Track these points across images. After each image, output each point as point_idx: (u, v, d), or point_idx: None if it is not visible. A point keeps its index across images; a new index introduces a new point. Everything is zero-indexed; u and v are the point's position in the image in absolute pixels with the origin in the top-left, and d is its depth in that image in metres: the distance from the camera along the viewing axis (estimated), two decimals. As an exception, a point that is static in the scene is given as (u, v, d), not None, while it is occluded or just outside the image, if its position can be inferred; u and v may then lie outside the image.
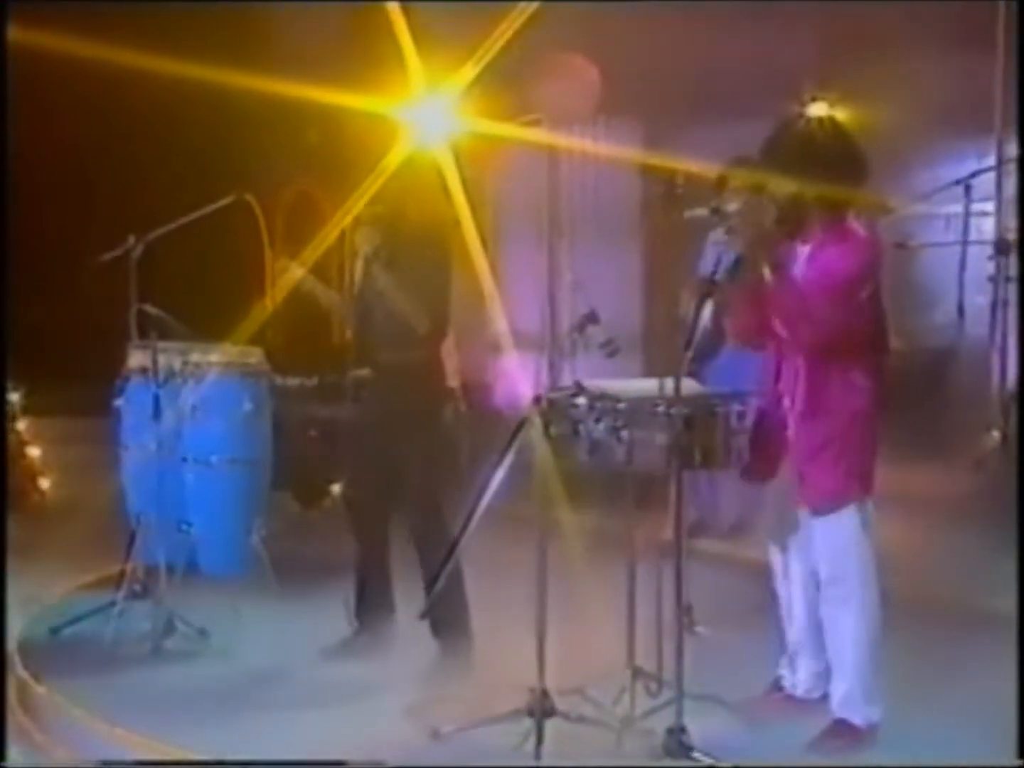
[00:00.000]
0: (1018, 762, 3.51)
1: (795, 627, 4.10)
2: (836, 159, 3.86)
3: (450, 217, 5.28)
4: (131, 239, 5.44)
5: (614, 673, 4.08)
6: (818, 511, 3.85)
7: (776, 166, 3.88)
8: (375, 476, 4.67)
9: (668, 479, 3.90)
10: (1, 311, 5.20)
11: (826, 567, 3.89)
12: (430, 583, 4.28)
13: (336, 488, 6.75)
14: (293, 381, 6.34)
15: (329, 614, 4.86)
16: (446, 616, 4.48)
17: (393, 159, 7.54)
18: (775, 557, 4.12)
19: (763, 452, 3.88)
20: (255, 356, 5.83)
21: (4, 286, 5.35)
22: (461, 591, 4.53)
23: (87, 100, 8.50)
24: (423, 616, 4.27)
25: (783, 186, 3.84)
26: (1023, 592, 3.96)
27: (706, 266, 4.23)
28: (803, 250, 3.93)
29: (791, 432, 3.89)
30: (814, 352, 3.81)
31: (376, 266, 4.65)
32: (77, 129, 8.67)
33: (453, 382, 7.29)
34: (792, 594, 4.08)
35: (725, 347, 5.15)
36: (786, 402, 3.92)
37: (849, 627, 3.87)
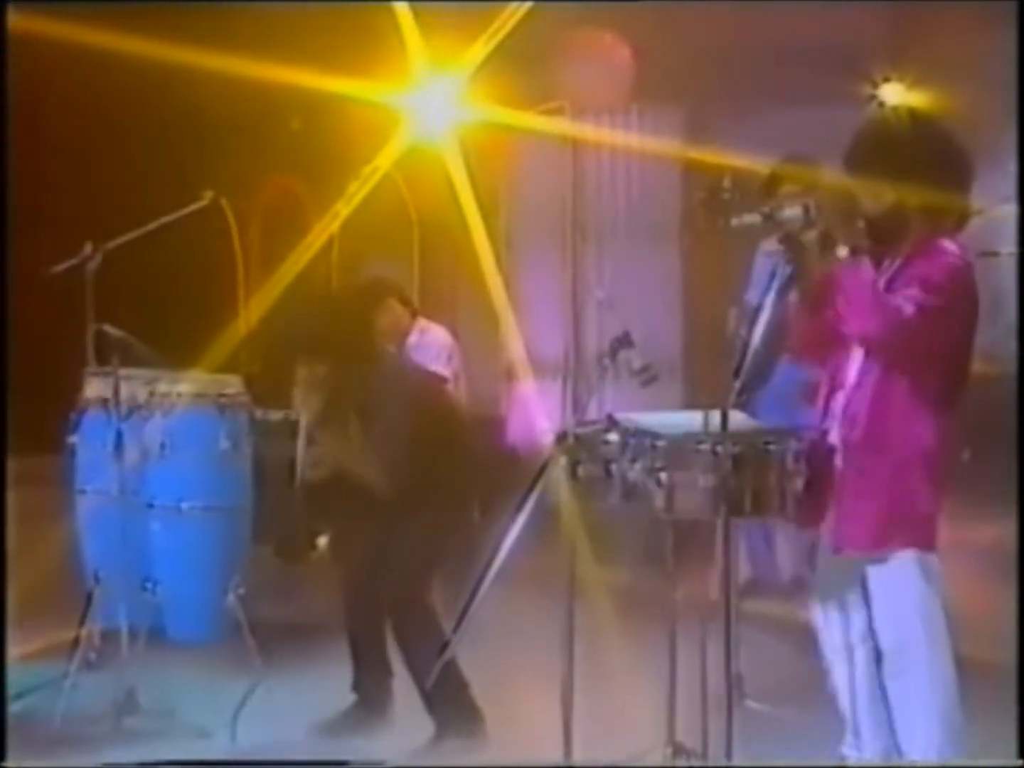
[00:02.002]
0: (1018, 762, 3.77)
1: (848, 698, 4.20)
2: (944, 162, 3.94)
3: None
4: (87, 248, 5.59)
5: (651, 751, 4.19)
6: (861, 549, 3.95)
7: (869, 172, 3.95)
8: (371, 527, 4.80)
9: (714, 528, 4.00)
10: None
11: (888, 633, 3.99)
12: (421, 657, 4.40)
13: (324, 541, 6.88)
14: (276, 415, 6.45)
15: (317, 685, 4.99)
16: (444, 690, 4.59)
17: (390, 152, 7.71)
18: (819, 616, 4.22)
19: (812, 491, 3.98)
20: (232, 385, 5.94)
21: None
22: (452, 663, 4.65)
23: (30, 83, 8.63)
24: (429, 687, 4.40)
25: (880, 196, 3.93)
26: (1023, 593, 4.09)
27: (757, 280, 4.36)
28: (885, 270, 4.03)
29: (841, 467, 4.00)
30: (886, 377, 3.92)
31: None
32: (20, 119, 8.80)
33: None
34: (838, 660, 4.18)
35: (777, 371, 5.29)
36: (835, 433, 4.03)
37: (919, 702, 3.95)
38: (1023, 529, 4.09)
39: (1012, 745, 3.83)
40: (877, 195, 3.94)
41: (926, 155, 3.94)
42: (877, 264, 4.02)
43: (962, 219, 4.05)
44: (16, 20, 5.82)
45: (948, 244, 3.97)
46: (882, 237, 3.95)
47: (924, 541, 3.95)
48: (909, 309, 3.82)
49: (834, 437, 4.03)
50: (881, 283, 3.99)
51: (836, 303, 3.90)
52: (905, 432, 3.93)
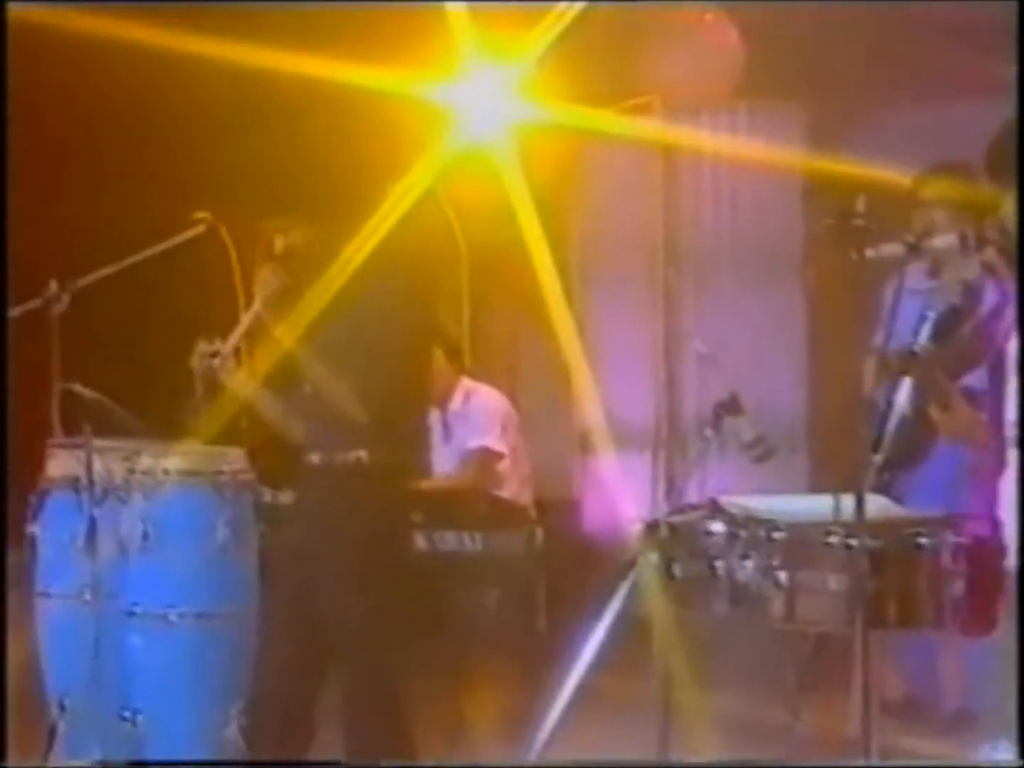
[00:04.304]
0: (1018, 762, 4.02)
1: None
2: None
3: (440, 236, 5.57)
4: (52, 286, 5.77)
5: None
6: None
7: (1010, 176, 4.08)
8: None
9: (849, 643, 4.06)
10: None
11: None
12: None
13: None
14: (288, 495, 6.55)
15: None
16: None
17: (431, 162, 7.83)
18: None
19: (978, 596, 4.05)
20: (233, 460, 6.00)
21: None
22: None
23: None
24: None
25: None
26: (1022, 591, 4.16)
27: (902, 325, 4.45)
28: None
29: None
30: None
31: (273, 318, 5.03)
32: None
33: (523, 498, 7.53)
34: None
35: (934, 447, 5.34)
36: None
37: None
38: (1023, 532, 4.20)
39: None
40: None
41: None
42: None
43: None
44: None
45: None
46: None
47: None
48: None
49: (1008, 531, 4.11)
50: None
51: None
52: None
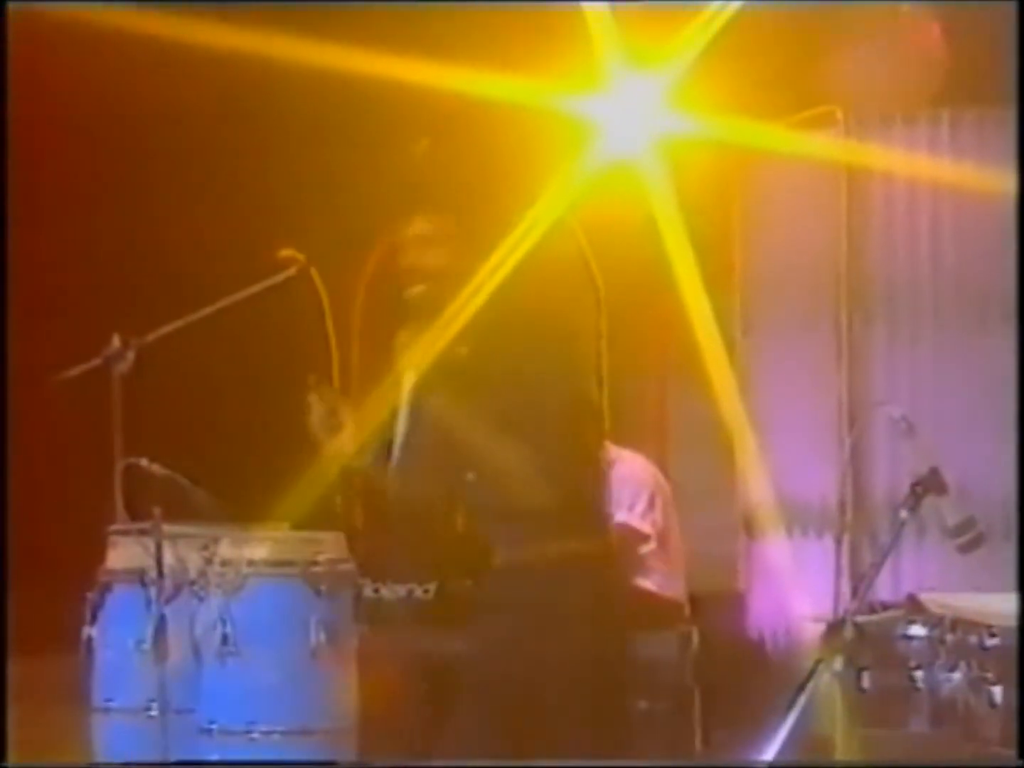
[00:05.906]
0: (1018, 762, 4.12)
1: None
2: None
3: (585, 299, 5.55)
4: (115, 342, 5.85)
5: None
6: None
7: None
8: None
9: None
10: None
11: None
12: None
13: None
14: (393, 591, 6.56)
15: None
16: None
17: (563, 189, 7.86)
18: None
19: None
20: (328, 547, 6.04)
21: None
22: None
23: (30, 81, 8.97)
24: None
25: None
26: (1022, 592, 4.09)
27: None
28: None
29: None
30: None
31: (439, 400, 4.96)
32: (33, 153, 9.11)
33: (674, 591, 7.51)
34: None
35: None
36: None
37: None
38: (1022, 531, 4.12)
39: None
40: None
41: None
42: None
43: None
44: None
45: None
46: None
47: None
48: None
49: None
50: None
51: None
52: None
